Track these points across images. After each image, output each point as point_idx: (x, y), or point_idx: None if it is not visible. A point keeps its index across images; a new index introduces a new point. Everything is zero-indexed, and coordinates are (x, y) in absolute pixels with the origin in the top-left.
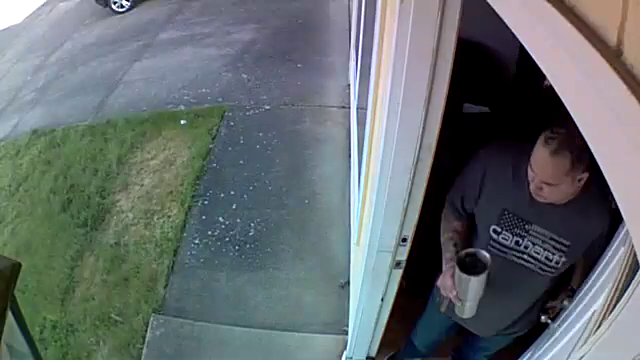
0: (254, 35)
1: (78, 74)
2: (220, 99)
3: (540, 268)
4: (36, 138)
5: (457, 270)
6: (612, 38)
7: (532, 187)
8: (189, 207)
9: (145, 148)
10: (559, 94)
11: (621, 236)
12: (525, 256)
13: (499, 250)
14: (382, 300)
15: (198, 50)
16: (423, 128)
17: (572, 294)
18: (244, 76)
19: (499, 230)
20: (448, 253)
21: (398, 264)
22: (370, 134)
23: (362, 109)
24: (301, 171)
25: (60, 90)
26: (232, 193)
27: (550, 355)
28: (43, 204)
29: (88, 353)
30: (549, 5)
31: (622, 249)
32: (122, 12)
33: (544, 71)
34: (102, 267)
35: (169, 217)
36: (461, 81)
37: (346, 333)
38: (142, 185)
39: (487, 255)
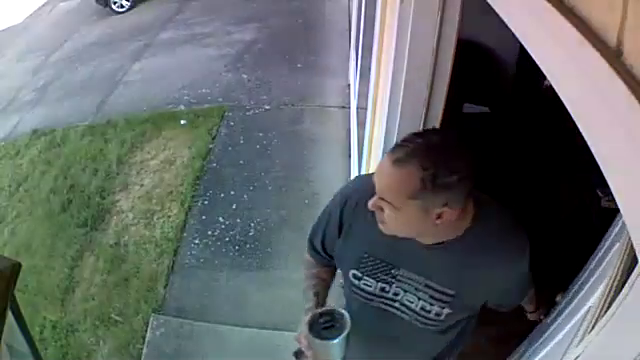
0: (254, 35)
1: (78, 74)
2: (220, 99)
3: (417, 320)
4: (36, 138)
5: (307, 332)
6: (612, 38)
7: (371, 204)
8: (189, 207)
9: (145, 148)
10: (559, 94)
11: (615, 232)
12: (396, 304)
13: (364, 297)
14: None
15: (198, 50)
16: (423, 128)
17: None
18: (244, 76)
19: (359, 275)
20: (308, 303)
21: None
22: (370, 134)
23: (362, 109)
24: (301, 171)
25: (60, 90)
26: (232, 193)
27: (543, 353)
28: (43, 204)
29: (88, 353)
30: (549, 5)
31: (617, 245)
32: (122, 12)
33: (544, 71)
34: (102, 267)
35: (169, 217)
36: (461, 81)
37: None
38: (142, 185)
39: (345, 315)
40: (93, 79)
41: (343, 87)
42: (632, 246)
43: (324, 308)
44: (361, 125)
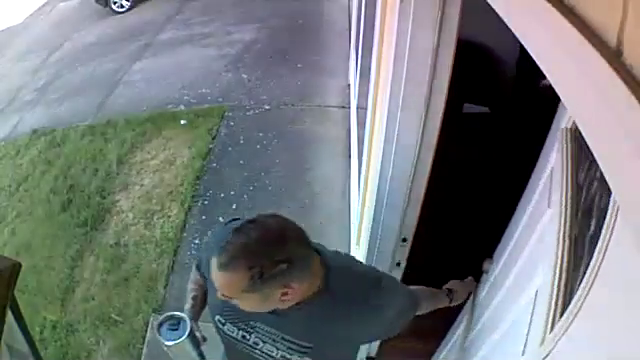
0: (254, 35)
1: (78, 74)
2: (220, 99)
3: None
4: (36, 138)
5: (155, 329)
6: (612, 38)
7: (218, 295)
8: (189, 207)
9: (145, 148)
10: (559, 95)
11: (534, 201)
12: (257, 351)
13: (229, 340)
14: None
15: (198, 50)
16: (423, 128)
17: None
18: (244, 76)
19: (223, 321)
20: (186, 305)
21: (398, 264)
22: (370, 134)
23: (362, 109)
24: (301, 171)
25: (60, 90)
26: (232, 193)
27: (485, 350)
28: (43, 204)
29: (88, 353)
30: (549, 5)
31: (549, 211)
32: (122, 12)
33: (544, 71)
34: (102, 267)
35: (169, 217)
36: (461, 81)
37: None
38: (142, 185)
39: (186, 324)
40: (93, 79)
41: (343, 87)
42: (572, 221)
43: (173, 313)
44: (361, 125)
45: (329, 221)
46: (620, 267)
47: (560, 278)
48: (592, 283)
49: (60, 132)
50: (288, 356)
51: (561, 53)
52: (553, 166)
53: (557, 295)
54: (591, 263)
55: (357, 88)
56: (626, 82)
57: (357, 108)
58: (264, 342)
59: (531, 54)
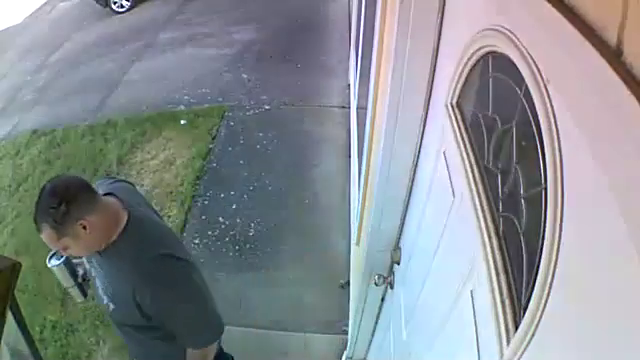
0: (254, 35)
1: (78, 74)
2: (220, 99)
3: (107, 310)
4: (36, 138)
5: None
6: (612, 38)
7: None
8: (189, 207)
9: (145, 148)
10: (558, 94)
11: (433, 191)
12: (97, 282)
13: (91, 274)
14: (382, 300)
15: (198, 50)
16: (423, 128)
17: None
18: (244, 76)
19: (88, 268)
20: None
21: (398, 263)
22: (370, 134)
23: (362, 109)
24: (301, 171)
25: (60, 90)
26: (232, 193)
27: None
28: None
29: (88, 353)
30: (549, 5)
31: (455, 202)
32: (122, 12)
33: (544, 71)
34: None
35: (169, 217)
36: None
37: (346, 333)
38: (142, 185)
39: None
40: (93, 79)
41: (343, 87)
42: (494, 215)
43: None
44: (361, 125)
45: (329, 221)
46: (583, 269)
47: (499, 282)
48: (549, 289)
49: (60, 132)
50: (105, 300)
51: (561, 53)
52: (445, 149)
53: (502, 302)
54: (540, 268)
55: (357, 88)
56: (626, 82)
57: (357, 108)
58: (102, 283)
59: (531, 54)
